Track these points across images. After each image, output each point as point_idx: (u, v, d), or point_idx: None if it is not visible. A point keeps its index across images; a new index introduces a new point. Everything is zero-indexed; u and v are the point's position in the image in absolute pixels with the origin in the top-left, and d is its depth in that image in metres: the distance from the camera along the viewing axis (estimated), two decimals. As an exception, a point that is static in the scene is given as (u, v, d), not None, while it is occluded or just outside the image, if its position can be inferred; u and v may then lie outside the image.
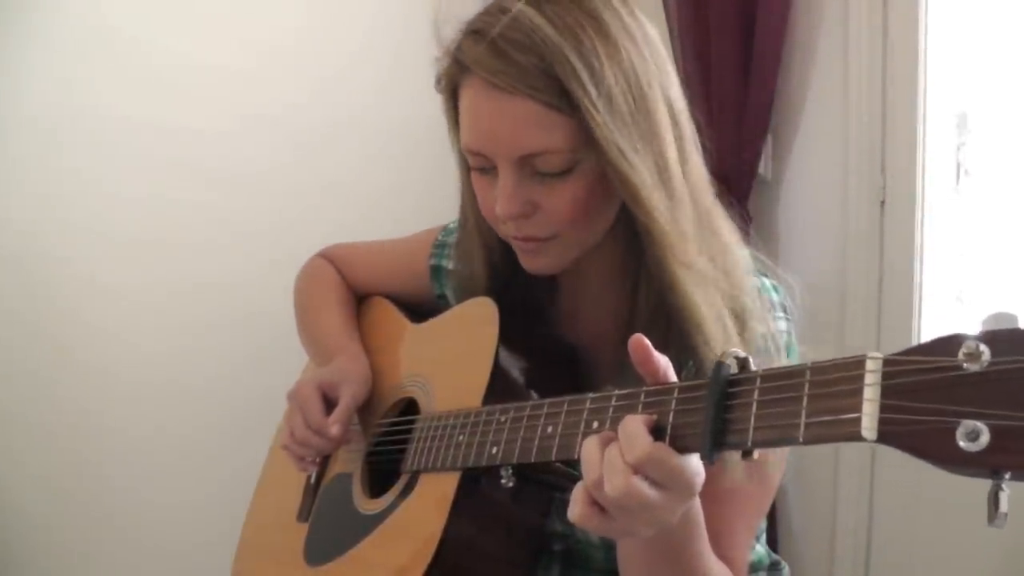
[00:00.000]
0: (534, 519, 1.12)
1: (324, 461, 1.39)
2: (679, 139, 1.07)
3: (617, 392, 0.86)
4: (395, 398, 1.33)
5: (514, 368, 1.14)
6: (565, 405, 0.92)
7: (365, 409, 1.34)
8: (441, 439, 1.11)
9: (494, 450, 1.00)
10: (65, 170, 2.42)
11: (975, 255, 2.13)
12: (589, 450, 0.81)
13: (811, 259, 2.43)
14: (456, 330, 1.29)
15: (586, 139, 1.01)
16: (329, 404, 1.30)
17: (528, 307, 1.24)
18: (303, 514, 1.40)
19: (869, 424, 0.63)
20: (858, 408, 0.63)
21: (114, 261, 2.47)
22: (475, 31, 1.06)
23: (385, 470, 1.26)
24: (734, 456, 0.74)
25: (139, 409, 2.52)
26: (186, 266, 2.55)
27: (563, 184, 1.05)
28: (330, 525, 1.33)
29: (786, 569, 1.28)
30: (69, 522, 2.46)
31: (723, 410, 0.74)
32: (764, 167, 2.52)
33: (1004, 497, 0.59)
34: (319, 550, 1.31)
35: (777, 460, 1.10)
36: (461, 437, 1.07)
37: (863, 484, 2.28)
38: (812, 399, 0.67)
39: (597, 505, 0.80)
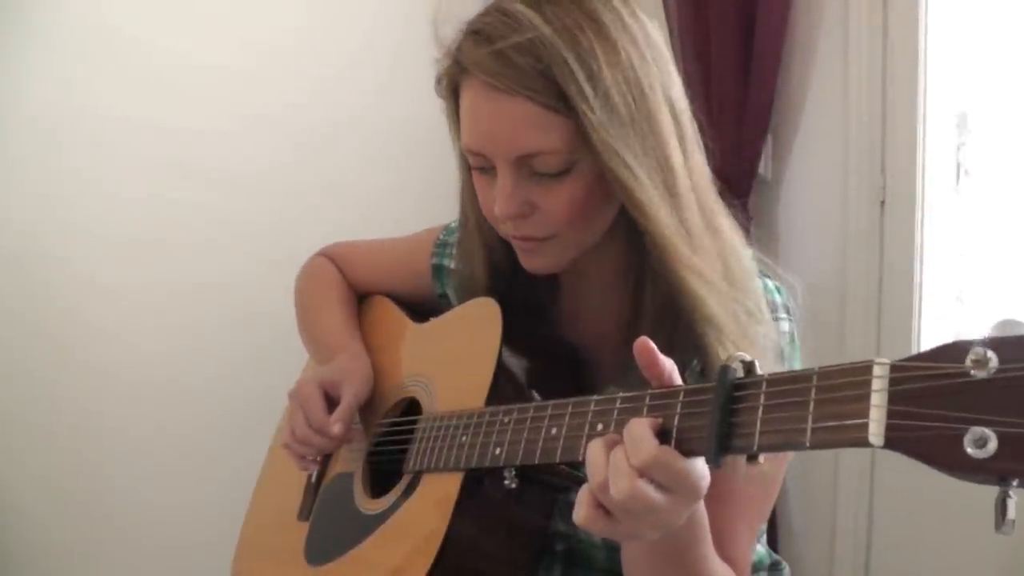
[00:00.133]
0: (537, 520, 1.12)
1: (325, 460, 1.39)
2: (681, 140, 1.07)
3: (622, 395, 0.86)
4: (396, 398, 1.33)
5: (516, 368, 1.14)
6: (569, 407, 0.92)
7: (366, 408, 1.34)
8: (444, 440, 1.11)
9: (497, 451, 1.00)
10: (65, 170, 2.41)
11: (975, 255, 2.13)
12: (594, 453, 0.81)
13: (811, 259, 2.43)
14: (458, 330, 1.28)
15: (583, 140, 1.02)
16: (331, 403, 1.29)
17: (530, 307, 1.24)
18: (303, 513, 1.39)
19: (876, 430, 0.63)
20: (865, 414, 0.64)
21: (114, 261, 2.47)
22: (474, 32, 1.06)
23: (386, 470, 1.26)
24: (739, 460, 0.74)
25: (139, 409, 2.52)
26: (186, 266, 2.55)
27: (561, 185, 1.06)
28: (331, 525, 1.32)
29: (786, 569, 1.28)
30: (69, 522, 2.46)
31: (729, 414, 0.74)
32: (764, 167, 2.52)
33: (1012, 504, 0.59)
34: (320, 550, 1.30)
35: (780, 462, 1.10)
36: (464, 438, 1.07)
37: (863, 484, 2.28)
38: (819, 404, 0.68)
39: (602, 508, 0.80)
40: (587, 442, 0.86)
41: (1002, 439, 0.57)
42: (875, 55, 2.24)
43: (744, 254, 1.11)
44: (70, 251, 2.43)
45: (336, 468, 1.38)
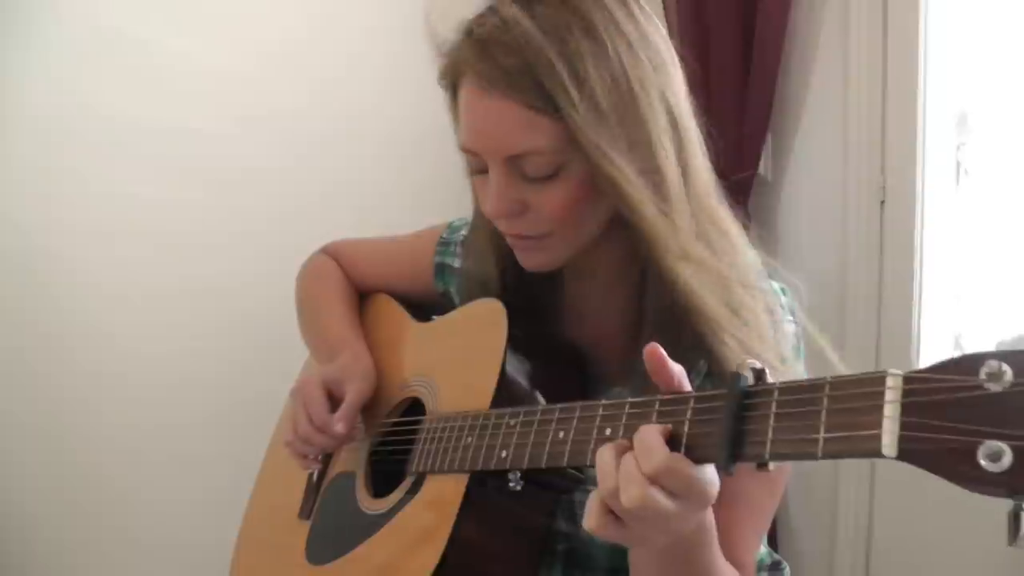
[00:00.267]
0: (541, 520, 1.12)
1: (326, 459, 1.39)
2: (678, 140, 1.06)
3: (630, 400, 0.86)
4: (399, 397, 1.32)
5: (521, 369, 1.14)
6: (577, 411, 0.92)
7: (368, 408, 1.33)
8: (448, 441, 1.10)
9: (503, 454, 1.00)
10: (65, 170, 2.41)
11: (975, 255, 2.13)
12: (604, 459, 0.81)
13: (811, 259, 2.43)
14: (463, 330, 1.28)
15: (571, 141, 1.02)
16: (333, 401, 1.29)
17: (535, 308, 1.24)
18: (304, 512, 1.39)
19: (889, 441, 0.63)
20: (878, 425, 0.64)
21: (114, 261, 2.47)
22: (467, 32, 1.08)
23: (388, 470, 1.26)
24: (748, 466, 0.75)
25: (139, 409, 2.52)
26: (186, 267, 2.55)
27: (552, 185, 1.06)
28: (333, 524, 1.32)
29: (787, 569, 1.28)
30: (68, 522, 2.45)
31: (740, 421, 0.74)
32: (764, 167, 2.53)
33: (1026, 517, 0.59)
34: (321, 549, 1.30)
35: (785, 466, 1.10)
36: (469, 439, 1.06)
37: (863, 484, 2.29)
38: (831, 414, 0.68)
39: (612, 514, 0.81)
40: (595, 447, 0.86)
41: (1017, 453, 0.57)
42: (875, 55, 2.24)
43: (748, 254, 1.11)
44: (70, 251, 2.43)
45: (337, 467, 1.38)
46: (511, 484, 0.99)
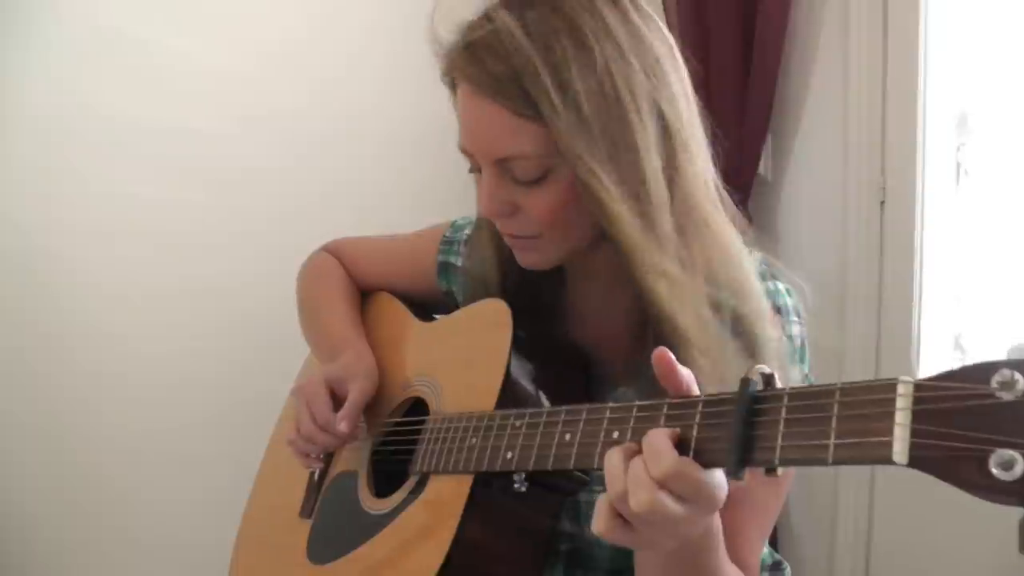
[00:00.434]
0: (545, 521, 1.11)
1: (327, 459, 1.39)
2: (669, 147, 1.06)
3: (638, 403, 0.86)
4: (401, 397, 1.32)
5: (525, 370, 1.14)
6: (584, 413, 0.92)
7: (370, 407, 1.32)
8: (453, 441, 1.10)
9: (509, 455, 1.00)
10: (66, 171, 2.42)
11: (975, 255, 2.13)
12: (613, 463, 0.81)
13: (811, 259, 2.43)
14: (467, 331, 1.28)
15: (556, 148, 1.03)
16: (336, 400, 1.29)
17: (539, 308, 1.24)
18: (306, 511, 1.39)
19: (900, 448, 0.63)
20: (889, 432, 0.64)
21: (115, 262, 2.47)
22: (461, 34, 1.09)
23: (391, 470, 1.26)
24: (757, 471, 0.75)
25: (139, 409, 2.52)
26: (186, 267, 2.55)
27: (539, 189, 1.07)
28: (334, 524, 1.32)
29: (788, 569, 1.28)
30: (68, 522, 2.46)
31: (750, 427, 0.74)
32: (764, 167, 2.53)
33: (1038, 526, 0.59)
34: (323, 548, 1.30)
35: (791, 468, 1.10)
36: (474, 440, 1.06)
37: (863, 488, 2.29)
38: (841, 420, 0.68)
39: (621, 518, 0.81)
40: (602, 450, 0.86)
41: None
42: (875, 55, 2.24)
43: (746, 261, 1.11)
44: (70, 251, 2.43)
45: (339, 467, 1.38)
46: (516, 485, 0.99)
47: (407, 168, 2.74)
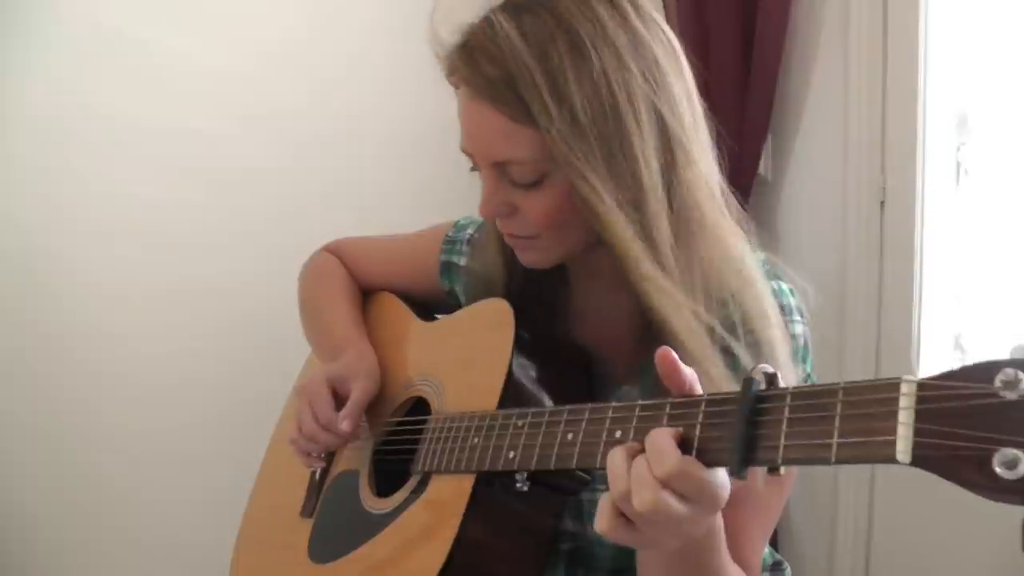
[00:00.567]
0: (547, 521, 1.12)
1: (329, 458, 1.39)
2: (668, 152, 1.06)
3: (641, 402, 0.86)
4: (403, 397, 1.32)
5: (528, 370, 1.14)
6: (587, 413, 0.92)
7: (372, 407, 1.33)
8: (455, 441, 1.11)
9: (511, 454, 1.00)
10: (66, 171, 2.42)
11: (975, 255, 2.13)
12: (616, 462, 0.81)
13: (811, 259, 2.43)
14: (470, 330, 1.28)
15: (550, 154, 1.04)
16: (338, 399, 1.29)
17: (542, 308, 1.25)
18: (307, 511, 1.39)
19: (903, 447, 0.63)
20: (892, 431, 0.64)
21: (115, 262, 2.47)
22: (461, 36, 1.10)
23: (392, 469, 1.26)
24: (760, 470, 0.75)
25: (139, 409, 2.52)
26: (186, 267, 2.55)
27: (536, 193, 1.08)
28: (336, 523, 1.32)
29: (788, 570, 1.29)
30: (68, 522, 2.46)
31: (753, 426, 0.74)
32: (764, 167, 2.53)
33: (1040, 525, 0.59)
34: (324, 548, 1.30)
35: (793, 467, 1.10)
36: (476, 440, 1.07)
37: (863, 485, 2.29)
38: (845, 420, 0.68)
39: (624, 517, 0.81)
40: (605, 449, 0.86)
41: None
42: (875, 55, 2.24)
43: (747, 264, 1.11)
44: (70, 251, 2.43)
45: (340, 466, 1.38)
46: (518, 485, 0.99)
47: (407, 168, 2.74)
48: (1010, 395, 0.59)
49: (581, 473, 1.02)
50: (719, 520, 0.91)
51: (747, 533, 1.06)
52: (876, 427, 0.65)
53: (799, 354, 1.12)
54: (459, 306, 1.38)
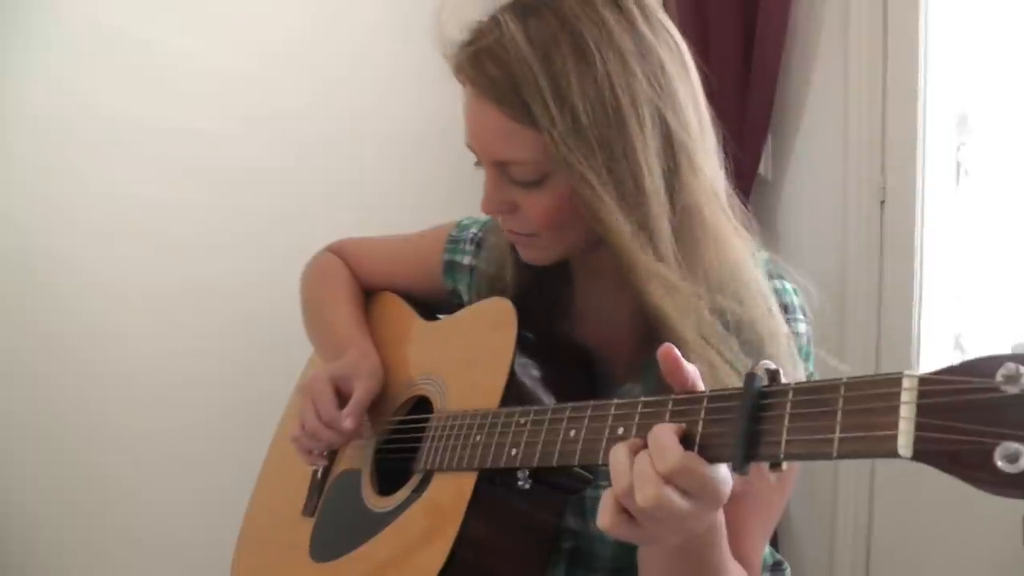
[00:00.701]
0: (549, 519, 1.12)
1: (331, 457, 1.39)
2: (671, 156, 1.07)
3: (643, 399, 0.87)
4: (405, 396, 1.33)
5: (530, 369, 1.14)
6: (589, 410, 0.93)
7: (374, 405, 1.33)
8: (457, 439, 1.11)
9: (513, 452, 1.00)
10: (66, 171, 2.42)
11: (975, 255, 2.13)
12: (618, 458, 0.82)
13: (811, 259, 2.43)
14: (472, 329, 1.29)
15: (551, 156, 1.04)
16: (341, 398, 1.30)
17: (545, 307, 1.25)
18: (308, 509, 1.39)
19: (905, 442, 0.64)
20: (894, 426, 0.64)
21: (116, 262, 2.47)
22: (468, 37, 1.11)
23: (394, 468, 1.26)
24: (762, 466, 0.75)
25: (140, 409, 2.52)
26: (188, 267, 2.55)
27: (536, 192, 1.09)
28: (338, 521, 1.32)
29: (788, 570, 1.29)
30: (69, 522, 2.46)
31: (755, 422, 0.75)
32: (764, 167, 2.53)
33: (1041, 519, 0.59)
34: (326, 546, 1.30)
35: (795, 464, 1.11)
36: (478, 437, 1.07)
37: (863, 484, 2.29)
38: (846, 414, 0.68)
39: (626, 513, 0.81)
40: (607, 446, 0.87)
41: None
42: (875, 55, 2.23)
43: (749, 269, 1.11)
44: (71, 251, 2.43)
45: (342, 465, 1.38)
46: (520, 483, 1.00)
47: (409, 168, 2.74)
48: (1011, 389, 0.59)
49: (582, 471, 1.02)
50: (721, 516, 0.92)
51: (748, 529, 1.06)
52: (878, 422, 0.65)
53: (802, 352, 1.13)
54: (461, 305, 1.38)
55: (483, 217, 1.39)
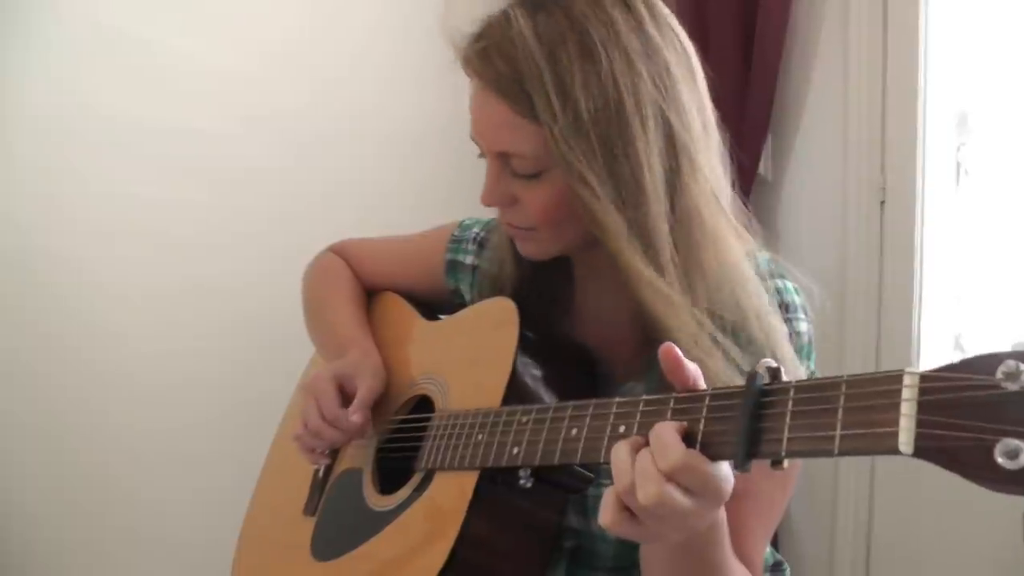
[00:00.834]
0: (551, 518, 1.12)
1: (332, 456, 1.39)
2: (674, 157, 1.07)
3: (645, 397, 0.87)
4: (407, 395, 1.33)
5: (532, 368, 1.15)
6: (591, 408, 0.93)
7: (376, 405, 1.33)
8: (459, 438, 1.11)
9: (515, 450, 1.00)
10: (66, 171, 2.41)
11: (975, 255, 2.13)
12: (620, 456, 0.82)
13: (811, 259, 2.43)
14: (474, 329, 1.29)
15: (552, 151, 1.05)
16: (344, 397, 1.29)
17: (547, 307, 1.25)
18: (310, 509, 1.39)
19: (906, 439, 0.64)
20: (895, 423, 0.64)
21: (116, 262, 2.47)
22: (476, 30, 1.12)
23: (396, 467, 1.26)
24: (763, 464, 0.75)
25: (140, 409, 2.52)
26: (188, 267, 2.55)
27: (536, 186, 1.10)
28: (339, 521, 1.32)
29: (788, 570, 1.29)
30: (69, 522, 2.45)
31: (757, 419, 0.75)
32: (764, 167, 2.53)
33: (1041, 515, 0.60)
34: (327, 545, 1.30)
35: (797, 463, 1.11)
36: (480, 436, 1.07)
37: (863, 484, 2.29)
38: (847, 412, 0.68)
39: (628, 511, 0.81)
40: (609, 444, 0.87)
41: None
42: (875, 55, 2.24)
43: (746, 271, 1.11)
44: (71, 251, 2.43)
45: (344, 464, 1.38)
46: (521, 481, 1.00)
47: (409, 168, 2.74)
48: (1011, 386, 0.59)
49: (584, 470, 1.02)
50: (722, 514, 0.92)
51: (749, 527, 1.06)
52: (879, 419, 0.66)
53: (803, 352, 1.13)
54: (463, 305, 1.38)
55: (485, 217, 1.40)
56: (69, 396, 2.45)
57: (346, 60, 2.70)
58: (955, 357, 0.64)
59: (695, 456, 0.78)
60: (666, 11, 1.11)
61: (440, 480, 1.14)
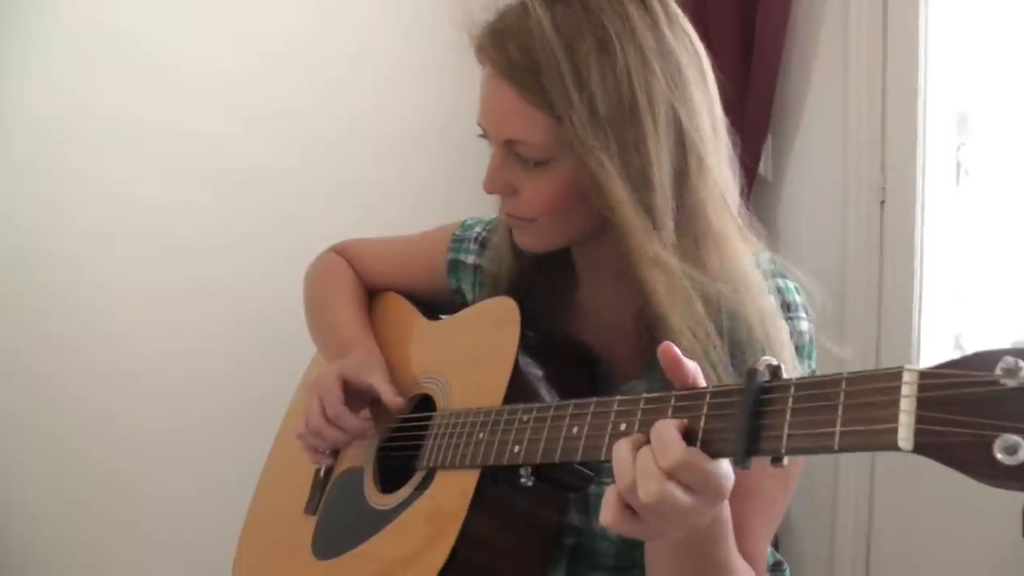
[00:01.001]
0: (552, 516, 1.12)
1: (333, 455, 1.39)
2: (683, 156, 1.07)
3: (646, 395, 0.87)
4: (409, 394, 1.33)
5: (533, 367, 1.15)
6: (592, 406, 0.93)
7: (377, 404, 1.33)
8: (460, 436, 1.11)
9: (516, 449, 1.01)
10: (66, 171, 2.41)
11: (975, 255, 2.13)
12: (621, 454, 0.82)
13: (811, 259, 2.43)
14: (476, 328, 1.29)
15: (563, 141, 1.06)
16: (349, 395, 1.29)
17: (548, 306, 1.25)
18: (311, 507, 1.39)
19: (906, 435, 0.64)
20: (894, 419, 0.64)
21: (116, 262, 2.47)
22: (494, 18, 1.13)
23: (397, 466, 1.26)
24: (764, 461, 0.75)
25: (141, 409, 2.52)
26: (189, 267, 2.55)
27: (541, 175, 1.10)
28: (340, 519, 1.32)
29: (788, 570, 1.29)
30: (70, 521, 2.45)
31: (757, 416, 0.75)
32: (764, 167, 2.53)
33: (1040, 511, 0.60)
34: (328, 544, 1.30)
35: (799, 460, 1.11)
36: (481, 435, 1.07)
37: (863, 483, 2.29)
38: (848, 408, 0.68)
39: (629, 509, 0.81)
40: (610, 442, 0.87)
41: None
42: (875, 55, 2.24)
43: (747, 270, 1.11)
44: (71, 251, 2.43)
45: (345, 463, 1.38)
46: (523, 480, 1.00)
47: (411, 168, 2.74)
48: (1011, 383, 0.60)
49: (585, 468, 1.02)
50: (725, 511, 0.92)
51: (751, 524, 1.06)
52: (879, 415, 0.66)
53: (804, 350, 1.14)
54: (465, 304, 1.38)
55: (487, 217, 1.41)
56: (69, 396, 2.45)
57: (347, 60, 2.70)
58: (955, 356, 0.64)
59: (696, 454, 0.78)
60: (679, 12, 1.12)
61: (441, 479, 1.14)
